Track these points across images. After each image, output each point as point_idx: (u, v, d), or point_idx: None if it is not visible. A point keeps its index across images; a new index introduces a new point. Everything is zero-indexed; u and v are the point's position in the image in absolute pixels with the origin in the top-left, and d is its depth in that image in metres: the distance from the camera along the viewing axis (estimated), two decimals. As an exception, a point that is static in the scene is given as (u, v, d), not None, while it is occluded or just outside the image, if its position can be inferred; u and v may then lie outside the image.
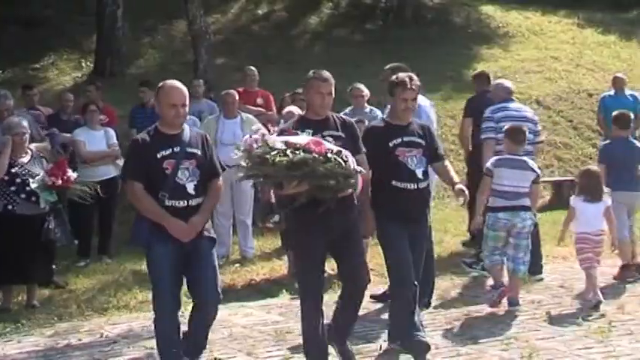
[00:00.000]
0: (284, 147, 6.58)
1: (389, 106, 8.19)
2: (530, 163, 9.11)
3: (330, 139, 7.00)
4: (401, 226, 7.47)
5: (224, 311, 8.63)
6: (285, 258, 10.70)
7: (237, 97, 12.04)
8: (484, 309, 8.86)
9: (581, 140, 19.24)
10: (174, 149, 6.73)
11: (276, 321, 8.72)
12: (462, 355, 7.48)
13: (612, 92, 16.40)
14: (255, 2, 26.60)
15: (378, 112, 11.44)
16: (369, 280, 7.28)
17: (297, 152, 6.53)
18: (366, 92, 12.03)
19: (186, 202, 6.73)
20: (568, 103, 20.39)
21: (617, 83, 16.35)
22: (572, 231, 9.31)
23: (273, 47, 22.84)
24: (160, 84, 6.94)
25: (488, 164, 9.03)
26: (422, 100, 8.71)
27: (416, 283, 7.45)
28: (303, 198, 6.64)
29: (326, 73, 7.20)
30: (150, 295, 7.26)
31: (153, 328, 6.86)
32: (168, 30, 24.01)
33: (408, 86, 7.55)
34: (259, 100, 13.53)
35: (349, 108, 11.55)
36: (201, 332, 7.03)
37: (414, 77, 7.69)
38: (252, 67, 14.48)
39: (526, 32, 24.90)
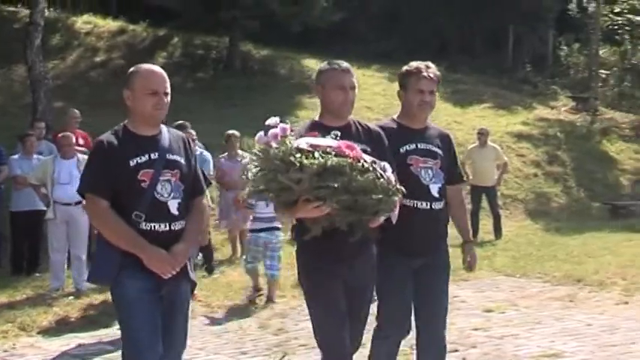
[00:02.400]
0: (310, 149, 4.76)
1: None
2: None
3: None
4: (404, 259, 5.52)
5: (55, 341, 8.54)
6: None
7: (73, 139, 11.89)
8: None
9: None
10: (152, 156, 4.85)
11: (108, 350, 8.53)
12: None
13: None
14: (93, 50, 26.32)
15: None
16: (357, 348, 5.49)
17: (329, 155, 4.70)
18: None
19: (168, 224, 4.84)
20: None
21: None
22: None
23: (110, 92, 22.59)
24: (133, 68, 5.07)
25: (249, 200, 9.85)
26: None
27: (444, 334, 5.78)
28: (324, 224, 4.80)
29: (345, 63, 5.46)
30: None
31: None
32: (8, 74, 23.44)
33: (424, 74, 5.56)
34: (80, 141, 13.35)
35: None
36: None
37: (432, 65, 5.70)
38: (76, 110, 14.46)
39: (342, 84, 25.35)
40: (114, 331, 9.24)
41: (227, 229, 14.18)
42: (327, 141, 4.86)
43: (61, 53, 25.52)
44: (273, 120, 4.98)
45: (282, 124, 4.92)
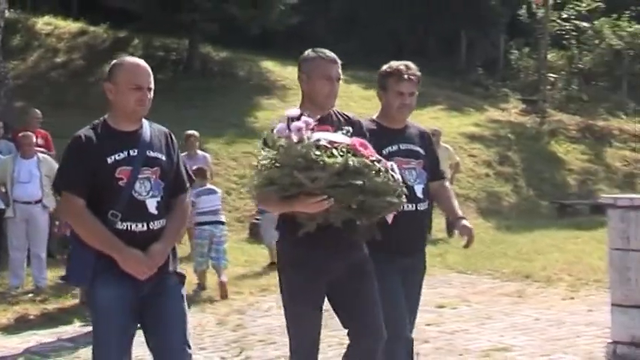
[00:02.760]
0: (328, 145, 4.51)
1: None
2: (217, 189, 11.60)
3: None
4: (391, 260, 5.18)
5: (14, 339, 8.45)
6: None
7: (33, 139, 11.77)
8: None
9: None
10: (131, 152, 4.52)
11: (67, 347, 8.40)
12: None
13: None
14: (53, 51, 26.12)
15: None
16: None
17: (349, 154, 4.47)
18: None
19: (146, 224, 4.50)
20: (335, 149, 20.87)
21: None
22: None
23: (70, 93, 22.48)
24: (116, 61, 4.73)
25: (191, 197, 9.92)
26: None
27: (412, 337, 5.58)
28: (319, 220, 4.55)
29: (331, 53, 5.12)
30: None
31: None
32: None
33: (405, 76, 5.35)
34: (40, 141, 13.19)
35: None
36: None
37: (412, 66, 5.46)
38: (37, 110, 14.21)
39: (295, 87, 25.26)
40: (74, 329, 9.20)
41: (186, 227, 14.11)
42: (343, 138, 4.66)
43: (21, 54, 25.33)
44: (294, 111, 4.69)
45: (305, 118, 4.61)
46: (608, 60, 32.26)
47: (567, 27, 31.39)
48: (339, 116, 5.06)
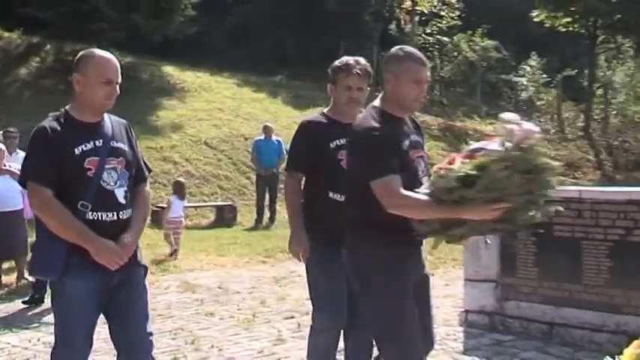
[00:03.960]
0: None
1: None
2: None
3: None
4: (338, 251, 4.57)
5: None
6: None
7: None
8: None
9: (238, 174, 19.73)
10: (97, 143, 4.06)
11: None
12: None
13: (263, 137, 16.93)
14: (-31, 54, 25.39)
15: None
16: None
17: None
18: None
19: (115, 214, 4.06)
20: (229, 145, 20.81)
21: (267, 130, 16.90)
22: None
23: (-13, 93, 21.92)
24: (85, 52, 4.26)
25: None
26: None
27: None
28: (471, 228, 3.83)
29: (420, 53, 4.37)
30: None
31: None
32: None
33: (354, 71, 4.83)
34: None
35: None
36: None
37: (362, 61, 4.94)
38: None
39: (198, 88, 25.14)
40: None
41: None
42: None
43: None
44: (512, 115, 3.88)
45: (529, 123, 3.87)
46: (464, 70, 32.92)
47: (431, 41, 32.02)
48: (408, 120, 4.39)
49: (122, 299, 4.12)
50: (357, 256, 4.17)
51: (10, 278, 10.27)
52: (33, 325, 7.97)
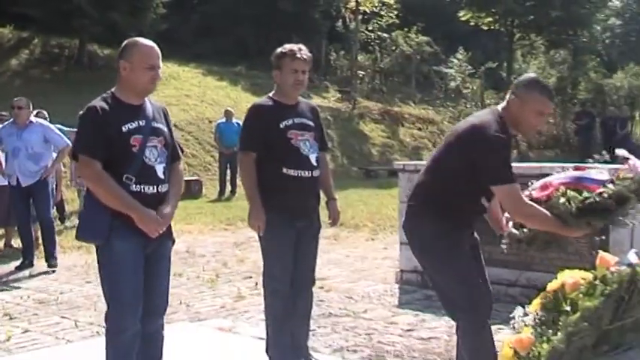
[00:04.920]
0: None
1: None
2: None
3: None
4: (291, 221, 4.67)
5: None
6: None
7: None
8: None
9: (204, 152, 19.64)
10: (140, 123, 3.97)
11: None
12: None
13: (224, 120, 16.86)
14: (-36, 47, 24.87)
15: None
16: None
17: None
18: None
19: (155, 187, 3.95)
20: (196, 127, 20.64)
21: (227, 114, 16.84)
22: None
23: (-17, 82, 21.50)
24: (129, 41, 4.17)
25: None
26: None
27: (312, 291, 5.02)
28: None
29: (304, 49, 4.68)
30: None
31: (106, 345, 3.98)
32: None
33: (298, 55, 4.69)
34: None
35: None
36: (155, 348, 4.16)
37: (304, 48, 4.79)
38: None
39: (168, 77, 24.69)
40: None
41: (77, 188, 13.71)
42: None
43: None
44: (624, 152, 3.89)
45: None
46: (401, 62, 32.94)
47: (372, 37, 31.94)
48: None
49: (151, 265, 4.00)
50: (422, 231, 4.10)
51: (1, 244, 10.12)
52: (24, 285, 7.89)
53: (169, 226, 4.04)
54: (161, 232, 3.94)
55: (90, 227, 3.92)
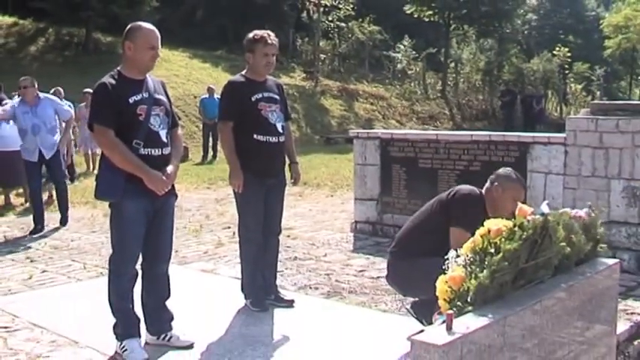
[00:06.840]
0: None
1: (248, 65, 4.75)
2: None
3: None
4: (262, 179, 4.63)
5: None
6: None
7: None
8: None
9: (190, 123, 19.53)
10: (144, 95, 3.88)
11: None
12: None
13: (207, 96, 16.62)
14: (-3, 36, 24.50)
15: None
16: None
17: None
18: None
19: (160, 150, 3.87)
20: (183, 101, 20.41)
21: (210, 91, 16.60)
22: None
23: (6, 64, 20.96)
24: (133, 25, 3.99)
25: None
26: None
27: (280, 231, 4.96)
28: None
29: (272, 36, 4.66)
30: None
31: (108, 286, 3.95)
32: None
33: (269, 41, 4.63)
34: None
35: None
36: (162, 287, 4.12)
37: (272, 34, 4.73)
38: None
39: (160, 60, 24.35)
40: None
41: (83, 153, 13.49)
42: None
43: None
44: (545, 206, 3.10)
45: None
46: (356, 47, 32.81)
47: (332, 26, 31.70)
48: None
49: (158, 218, 3.94)
50: (406, 264, 4.18)
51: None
52: (41, 235, 7.80)
53: (173, 185, 3.97)
54: (167, 190, 3.87)
55: (106, 188, 3.83)
